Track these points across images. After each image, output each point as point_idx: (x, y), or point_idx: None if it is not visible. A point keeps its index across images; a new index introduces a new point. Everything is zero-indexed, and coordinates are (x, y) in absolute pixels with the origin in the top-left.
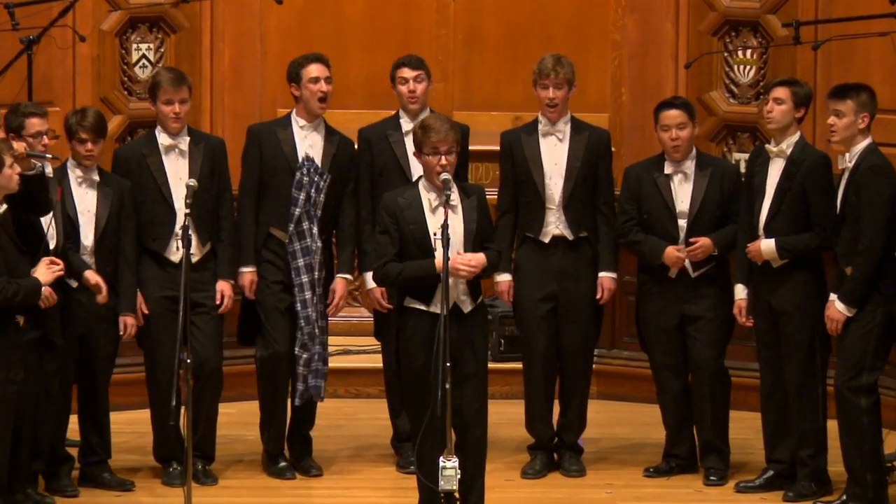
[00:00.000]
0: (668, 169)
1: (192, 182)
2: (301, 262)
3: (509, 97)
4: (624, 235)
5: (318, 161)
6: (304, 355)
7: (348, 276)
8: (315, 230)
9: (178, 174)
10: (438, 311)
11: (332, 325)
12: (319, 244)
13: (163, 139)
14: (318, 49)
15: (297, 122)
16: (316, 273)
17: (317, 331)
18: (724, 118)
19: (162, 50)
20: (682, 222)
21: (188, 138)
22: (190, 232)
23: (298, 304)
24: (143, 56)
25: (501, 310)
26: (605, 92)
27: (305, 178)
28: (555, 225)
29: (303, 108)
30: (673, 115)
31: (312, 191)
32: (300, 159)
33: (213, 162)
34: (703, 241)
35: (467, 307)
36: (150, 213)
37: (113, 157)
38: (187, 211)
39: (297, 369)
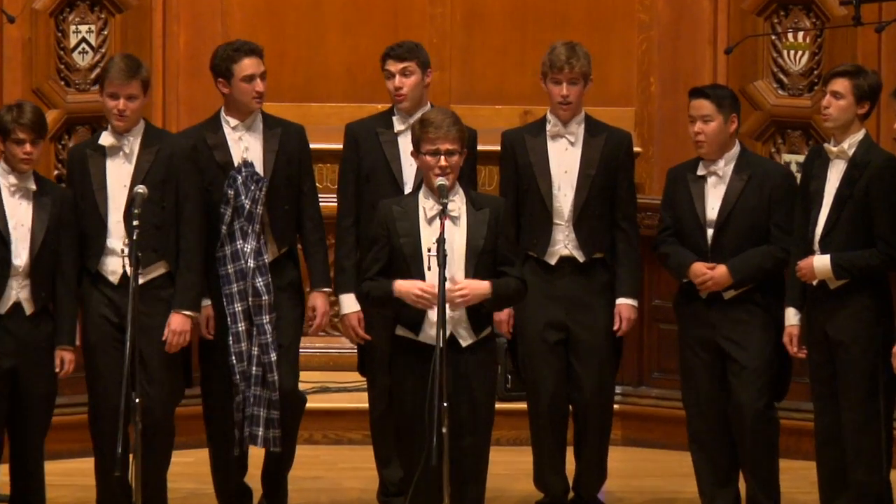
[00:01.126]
0: (700, 170)
1: (142, 189)
2: (234, 287)
3: (517, 88)
4: (656, 246)
5: (259, 165)
6: (237, 397)
7: (326, 289)
8: (248, 248)
9: (120, 180)
10: (429, 341)
11: (307, 358)
12: (255, 263)
13: (105, 138)
14: (293, 32)
15: (229, 123)
16: (263, 297)
17: (254, 369)
18: (772, 113)
19: (105, 32)
20: (711, 233)
21: (138, 139)
22: (136, 250)
23: (230, 338)
24: (83, 40)
25: (507, 341)
26: (631, 82)
27: (230, 191)
28: (563, 244)
29: (233, 107)
30: (697, 105)
31: (247, 201)
32: (236, 165)
33: (169, 168)
34: (716, 272)
35: (466, 340)
36: (84, 224)
37: (68, 156)
38: (136, 223)
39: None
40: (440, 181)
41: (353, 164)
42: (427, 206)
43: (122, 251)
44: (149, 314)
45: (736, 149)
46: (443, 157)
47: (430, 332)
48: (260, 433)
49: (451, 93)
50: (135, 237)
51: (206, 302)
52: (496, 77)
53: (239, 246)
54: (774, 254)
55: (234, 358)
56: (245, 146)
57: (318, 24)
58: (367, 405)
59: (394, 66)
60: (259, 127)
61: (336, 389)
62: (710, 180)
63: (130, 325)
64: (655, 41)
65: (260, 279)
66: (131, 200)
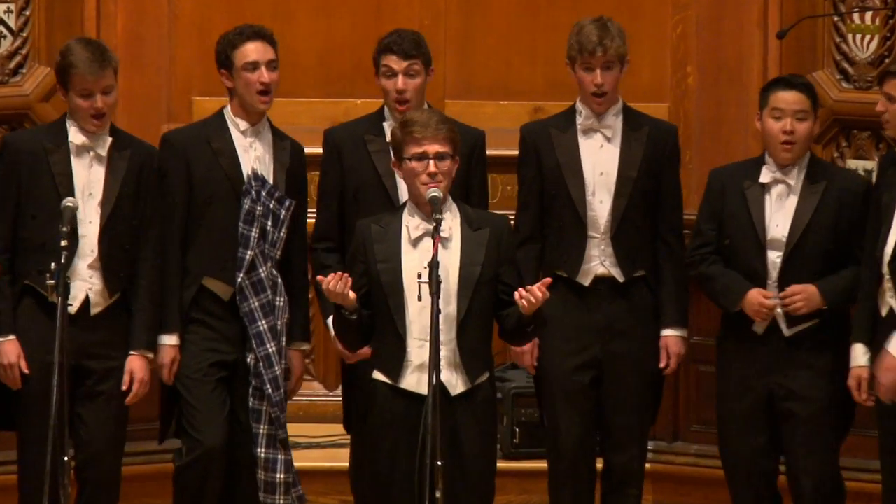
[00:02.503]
0: (764, 176)
1: (72, 202)
2: (262, 325)
3: (526, 80)
4: (694, 265)
5: (269, 179)
6: (281, 456)
7: (305, 346)
8: (278, 279)
9: (88, 186)
10: (407, 387)
11: None
12: (286, 298)
13: (75, 136)
14: (253, 14)
15: (237, 125)
16: (283, 340)
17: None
18: (834, 110)
19: (27, 13)
20: (775, 256)
21: (110, 139)
22: (85, 272)
23: (268, 386)
24: (0, 21)
25: (515, 385)
26: (664, 73)
27: (259, 207)
28: (599, 261)
29: (239, 105)
30: (791, 98)
31: (269, 224)
32: (246, 178)
33: (140, 180)
34: (805, 290)
35: (456, 388)
36: (42, 234)
37: (1, 145)
38: (64, 242)
39: (262, 474)
40: (432, 192)
41: (336, 180)
42: (412, 224)
43: (46, 276)
44: (104, 345)
45: (807, 155)
46: (431, 162)
47: (411, 378)
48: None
49: (446, 86)
50: (63, 260)
51: (173, 340)
52: (500, 67)
53: (263, 274)
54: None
55: (269, 386)
56: (256, 155)
57: (284, 4)
58: (346, 464)
59: (397, 64)
60: (268, 136)
61: (306, 445)
62: (776, 190)
63: (58, 366)
64: (693, 22)
65: (284, 317)
66: (112, 220)
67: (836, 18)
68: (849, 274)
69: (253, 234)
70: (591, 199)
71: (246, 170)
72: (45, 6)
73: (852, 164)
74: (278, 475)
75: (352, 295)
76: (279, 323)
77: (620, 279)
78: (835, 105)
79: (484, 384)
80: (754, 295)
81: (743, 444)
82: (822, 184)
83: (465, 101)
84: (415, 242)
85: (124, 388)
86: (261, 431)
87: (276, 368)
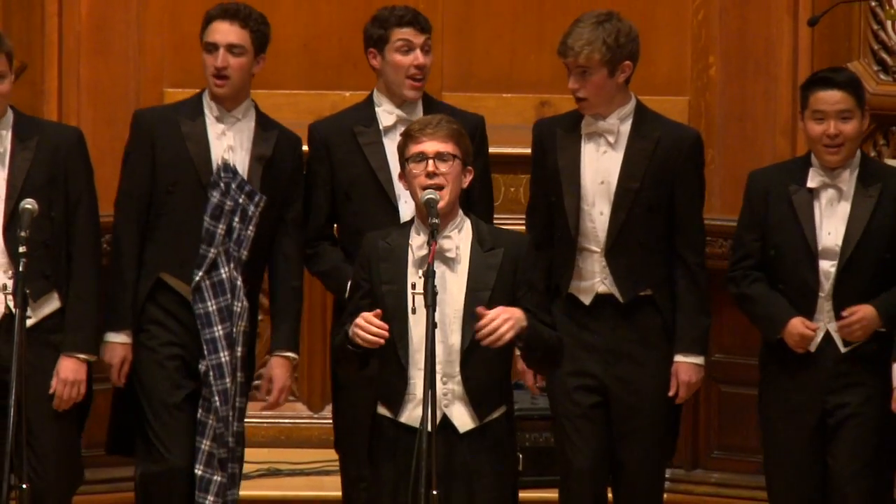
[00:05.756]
0: (812, 180)
1: (31, 204)
2: (218, 331)
3: (531, 71)
4: (735, 283)
5: (242, 171)
6: (216, 477)
7: (290, 355)
8: (238, 281)
9: None
10: (409, 422)
11: (250, 431)
12: (246, 304)
13: None
14: None
15: (212, 110)
16: (238, 349)
17: (231, 439)
18: (871, 104)
19: None
20: (828, 266)
21: (8, 132)
22: (24, 286)
23: (217, 398)
24: None
25: (519, 408)
26: (684, 64)
27: (228, 202)
28: (598, 278)
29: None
30: (832, 98)
31: (236, 220)
32: (215, 168)
33: (54, 167)
34: (863, 312)
35: (465, 425)
36: None
37: None
38: (23, 248)
39: (197, 494)
40: (428, 194)
41: (325, 180)
42: (416, 243)
43: (5, 287)
44: (39, 367)
45: (858, 155)
46: (430, 161)
47: (413, 413)
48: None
49: (444, 78)
50: (21, 268)
51: (122, 338)
52: (503, 57)
53: (224, 275)
54: None
55: (217, 399)
56: (228, 144)
57: None
58: (332, 493)
59: (415, 37)
60: (250, 125)
61: (289, 472)
62: (826, 195)
63: (15, 385)
64: (716, 7)
65: (241, 324)
66: (14, 218)
67: (873, 3)
68: None
69: (219, 230)
70: (589, 210)
71: (216, 159)
72: None
73: (891, 163)
74: (209, 498)
75: (382, 340)
76: (235, 330)
77: (622, 299)
78: (872, 98)
79: (498, 420)
80: (795, 325)
81: (793, 473)
82: (878, 186)
83: (464, 93)
84: (419, 263)
85: (50, 391)
86: (203, 447)
87: (227, 380)
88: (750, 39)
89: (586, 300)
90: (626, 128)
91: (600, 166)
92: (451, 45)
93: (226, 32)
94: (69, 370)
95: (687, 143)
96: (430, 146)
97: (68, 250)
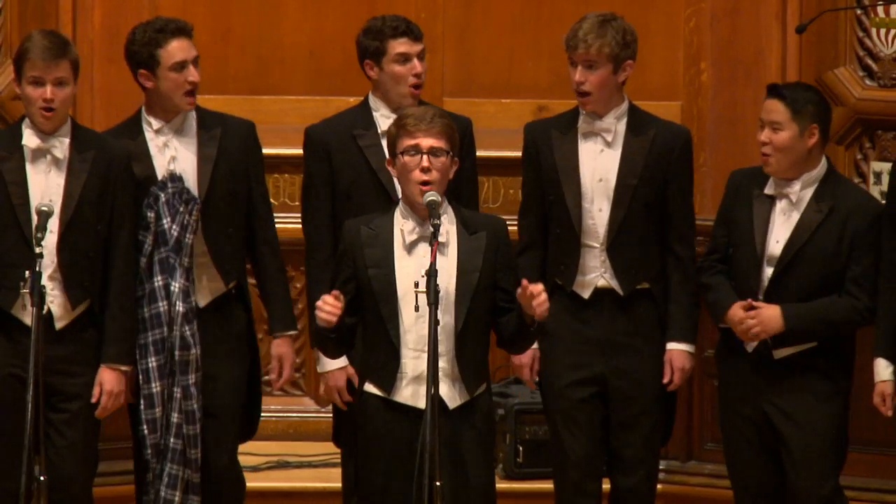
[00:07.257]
0: (769, 188)
1: (48, 206)
2: (149, 336)
3: (529, 77)
4: (701, 272)
5: (192, 178)
6: (147, 475)
7: (291, 332)
8: (175, 286)
9: (47, 193)
10: (402, 400)
11: (262, 425)
12: (181, 308)
13: (29, 138)
14: (240, 5)
15: (151, 125)
16: (192, 351)
17: (173, 441)
18: (857, 109)
19: None
20: (769, 273)
21: (67, 140)
22: (44, 283)
23: (142, 402)
24: None
25: (518, 402)
26: (676, 69)
27: (150, 213)
28: (598, 272)
29: (157, 104)
30: (768, 106)
31: (175, 227)
32: (161, 180)
33: (106, 182)
34: (761, 313)
35: (454, 401)
36: None
37: None
38: (39, 249)
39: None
40: (429, 196)
41: (325, 181)
42: (406, 228)
43: (21, 284)
44: (70, 361)
45: (820, 170)
46: (425, 157)
47: (405, 391)
48: None
49: (444, 83)
50: (38, 268)
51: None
52: (502, 64)
53: (158, 283)
54: (846, 306)
55: (145, 427)
56: (171, 154)
57: None
58: (338, 485)
59: (411, 47)
60: (191, 128)
61: (297, 465)
62: (780, 204)
63: (32, 381)
64: (707, 15)
65: (187, 327)
66: (72, 226)
67: (859, 12)
68: (826, 302)
69: (147, 241)
70: (589, 207)
71: (160, 172)
72: None
73: (876, 166)
74: None
75: (334, 319)
76: (172, 335)
77: (621, 292)
78: (857, 104)
79: (483, 395)
80: (735, 310)
81: (745, 463)
82: (829, 204)
83: (464, 99)
84: (409, 248)
85: (93, 400)
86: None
87: (154, 386)
88: (740, 46)
89: (585, 294)
90: (621, 127)
91: (598, 164)
92: (451, 51)
93: (188, 48)
94: (112, 382)
95: (680, 141)
96: (424, 142)
97: (106, 263)
